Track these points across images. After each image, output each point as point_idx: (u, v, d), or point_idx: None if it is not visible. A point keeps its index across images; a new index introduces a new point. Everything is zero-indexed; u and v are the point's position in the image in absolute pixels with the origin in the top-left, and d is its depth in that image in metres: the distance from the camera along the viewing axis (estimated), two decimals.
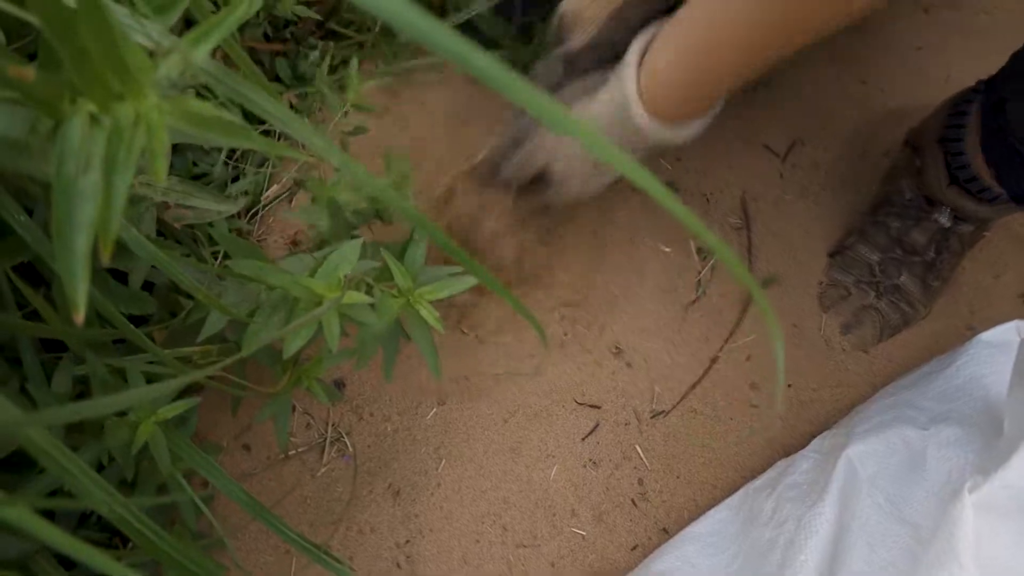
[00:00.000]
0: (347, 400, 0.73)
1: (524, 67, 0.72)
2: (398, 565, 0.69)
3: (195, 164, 0.70)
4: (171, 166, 0.68)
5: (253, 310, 0.46)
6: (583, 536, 0.72)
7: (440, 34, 0.17)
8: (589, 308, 0.78)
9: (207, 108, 0.24)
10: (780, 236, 0.82)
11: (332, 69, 0.76)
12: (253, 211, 0.74)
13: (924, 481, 0.59)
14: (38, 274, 0.49)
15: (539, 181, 0.66)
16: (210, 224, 0.64)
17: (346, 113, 0.57)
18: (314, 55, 0.75)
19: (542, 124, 0.62)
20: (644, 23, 0.62)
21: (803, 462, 0.69)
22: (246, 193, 0.72)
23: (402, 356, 0.74)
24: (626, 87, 0.57)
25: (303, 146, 0.68)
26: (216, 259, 0.66)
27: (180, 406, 0.47)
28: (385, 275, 0.49)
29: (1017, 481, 0.48)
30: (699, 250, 0.80)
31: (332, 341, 0.44)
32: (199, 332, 0.48)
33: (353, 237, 0.48)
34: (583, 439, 0.74)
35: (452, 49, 0.17)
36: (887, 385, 0.77)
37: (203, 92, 0.61)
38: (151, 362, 0.48)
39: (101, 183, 0.24)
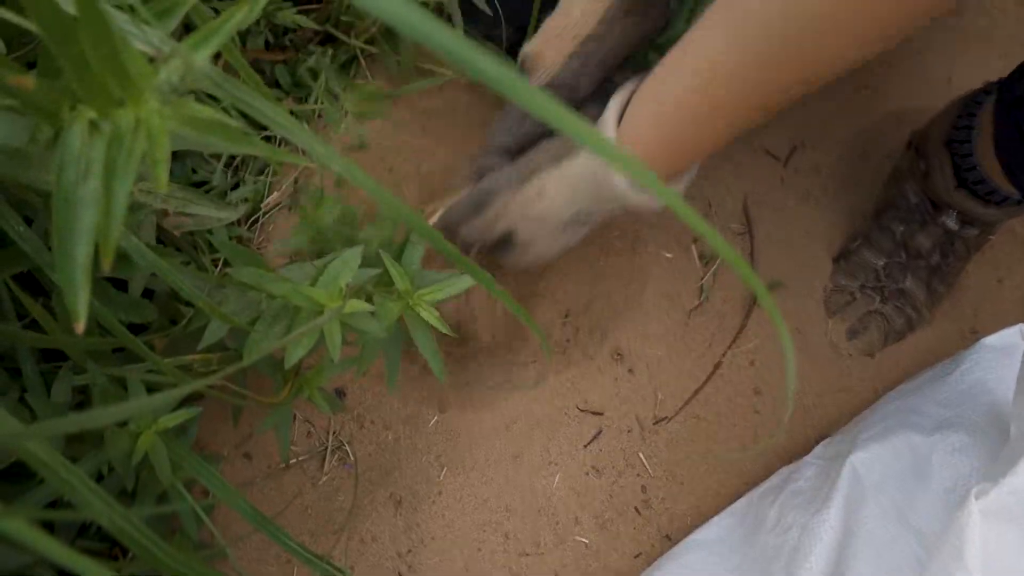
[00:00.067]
0: (348, 408, 0.72)
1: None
2: (400, 574, 0.69)
3: (194, 171, 0.70)
4: (171, 173, 0.67)
5: (254, 319, 0.46)
6: (586, 544, 0.71)
7: (444, 36, 0.16)
8: (591, 314, 0.77)
9: (208, 112, 0.24)
10: (782, 241, 0.82)
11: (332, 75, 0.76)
12: (253, 218, 0.74)
13: (930, 487, 0.59)
14: (37, 283, 0.49)
15: (501, 243, 0.63)
16: (210, 231, 0.64)
17: (346, 113, 0.57)
18: (313, 61, 0.75)
19: (506, 189, 0.60)
20: (604, 64, 0.61)
21: (807, 468, 0.68)
22: (246, 200, 0.72)
23: (403, 365, 0.74)
24: None
25: (303, 152, 0.68)
26: (216, 267, 0.66)
27: (181, 415, 0.47)
28: (385, 279, 0.49)
29: None
30: (701, 255, 0.80)
31: (334, 350, 0.44)
32: (199, 340, 0.47)
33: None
34: (585, 446, 0.74)
35: (457, 52, 0.17)
36: (891, 390, 0.76)
37: (203, 98, 0.61)
38: (151, 371, 0.48)
39: (101, 190, 0.24)
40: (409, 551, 0.69)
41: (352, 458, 0.71)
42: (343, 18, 0.75)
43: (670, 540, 0.72)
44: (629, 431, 0.75)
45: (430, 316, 0.48)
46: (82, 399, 0.52)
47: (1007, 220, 0.74)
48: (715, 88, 0.47)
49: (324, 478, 0.70)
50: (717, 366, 0.77)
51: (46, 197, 0.39)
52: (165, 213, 0.54)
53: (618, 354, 0.77)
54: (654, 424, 0.75)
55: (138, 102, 0.24)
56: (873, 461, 0.62)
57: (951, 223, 0.75)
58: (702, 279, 0.79)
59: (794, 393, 0.77)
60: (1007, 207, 0.70)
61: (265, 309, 0.46)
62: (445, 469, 0.72)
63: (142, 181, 0.41)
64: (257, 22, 0.72)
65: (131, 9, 0.27)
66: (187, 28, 0.60)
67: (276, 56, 0.75)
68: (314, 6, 0.75)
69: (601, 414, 0.75)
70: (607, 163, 0.52)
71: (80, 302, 0.24)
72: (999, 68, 0.68)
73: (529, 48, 0.62)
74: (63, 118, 0.24)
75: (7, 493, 0.47)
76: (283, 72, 0.75)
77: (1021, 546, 0.48)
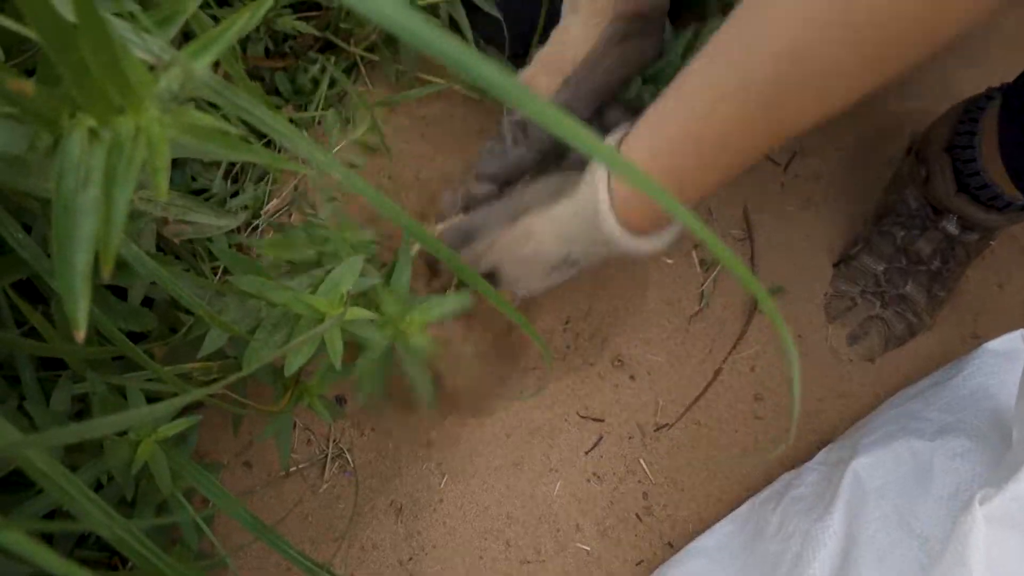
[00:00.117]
0: (348, 416, 0.72)
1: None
2: None
3: (194, 179, 0.70)
4: (171, 180, 0.67)
5: (254, 327, 0.46)
6: (588, 551, 0.71)
7: (446, 44, 0.16)
8: (591, 320, 0.77)
9: (208, 120, 0.24)
10: (783, 247, 0.82)
11: (331, 83, 0.76)
12: (253, 226, 0.73)
13: (932, 493, 0.58)
14: (36, 291, 0.49)
15: (485, 278, 0.62)
16: (209, 239, 0.64)
17: (347, 120, 0.57)
18: (316, 70, 0.75)
19: (494, 226, 0.59)
20: (597, 92, 0.61)
21: (809, 474, 0.68)
22: (246, 208, 0.72)
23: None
24: (596, 193, 0.51)
25: (303, 160, 0.68)
26: (216, 274, 0.66)
27: (181, 424, 0.47)
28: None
29: None
30: (702, 261, 0.80)
31: (335, 358, 0.43)
32: (199, 348, 0.47)
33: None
34: (586, 453, 0.74)
35: (459, 58, 0.16)
36: (892, 395, 0.76)
37: (202, 106, 0.61)
38: (151, 379, 0.48)
39: (101, 198, 0.24)
40: (410, 559, 0.69)
41: (352, 465, 0.71)
42: (343, 25, 0.75)
43: (672, 547, 0.71)
44: (630, 438, 0.74)
45: (422, 342, 0.47)
46: (81, 407, 0.52)
47: (1008, 226, 0.74)
48: (717, 124, 0.45)
49: (324, 486, 0.70)
50: (718, 372, 0.77)
51: (45, 204, 0.39)
52: (165, 221, 0.54)
53: (619, 360, 0.76)
54: (655, 430, 0.75)
55: (138, 110, 0.24)
56: (875, 467, 0.61)
57: (951, 228, 0.75)
58: (703, 285, 0.79)
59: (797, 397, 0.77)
60: (1009, 212, 0.69)
61: (265, 317, 0.46)
62: (446, 476, 0.72)
63: (142, 189, 0.41)
64: (257, 29, 0.72)
65: (131, 16, 0.27)
66: (186, 36, 0.60)
67: (276, 63, 0.75)
68: (314, 13, 0.75)
69: (602, 421, 0.75)
70: (598, 207, 0.51)
71: (80, 310, 0.24)
72: (1000, 72, 0.68)
73: (523, 75, 0.62)
74: (63, 125, 0.24)
75: (5, 503, 0.46)
76: (283, 79, 0.75)
77: None
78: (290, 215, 0.75)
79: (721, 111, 0.45)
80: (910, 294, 0.78)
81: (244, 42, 0.72)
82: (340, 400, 0.72)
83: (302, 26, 0.71)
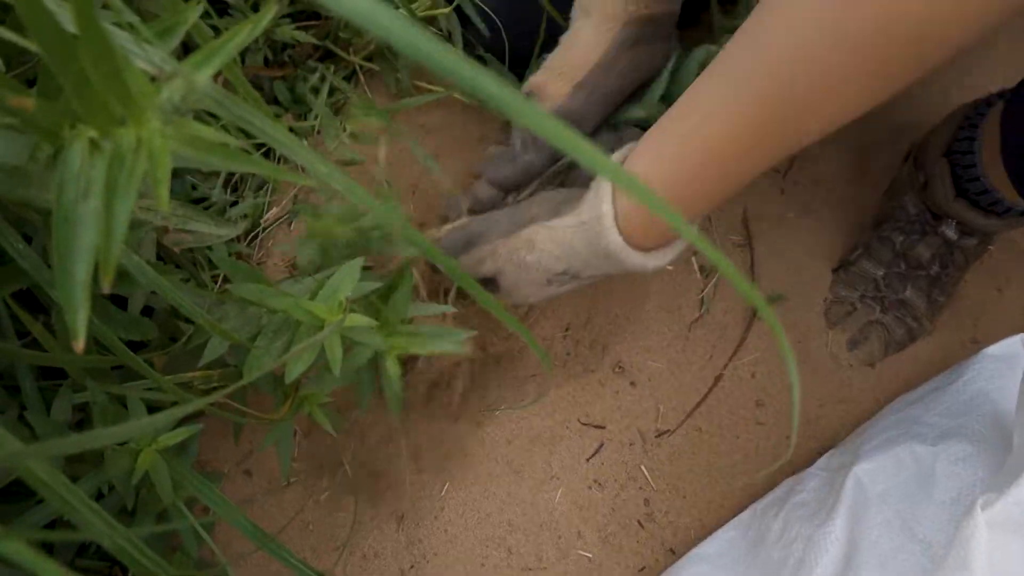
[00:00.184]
0: (349, 425, 0.72)
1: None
2: None
3: (194, 188, 0.70)
4: (171, 190, 0.68)
5: (255, 335, 0.46)
6: (589, 559, 0.71)
7: (446, 57, 0.16)
8: (591, 327, 0.77)
9: (210, 132, 0.24)
10: (782, 253, 0.82)
11: (331, 91, 0.76)
12: (252, 235, 0.74)
13: (934, 497, 0.58)
14: (37, 301, 0.49)
15: (484, 283, 0.61)
16: (209, 248, 0.64)
17: (345, 128, 0.57)
18: (313, 78, 0.75)
19: (497, 233, 0.59)
20: (608, 98, 0.61)
21: (810, 480, 0.68)
22: (245, 216, 0.72)
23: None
24: (600, 207, 0.51)
25: (303, 169, 0.68)
26: (216, 283, 0.66)
27: (181, 433, 0.47)
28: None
29: None
30: (702, 267, 0.80)
31: (335, 365, 0.43)
32: (200, 357, 0.47)
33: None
34: (587, 460, 0.74)
35: (459, 72, 0.17)
36: (893, 401, 0.76)
37: (202, 117, 0.61)
38: (151, 388, 0.48)
39: (102, 209, 0.24)
40: (412, 567, 0.69)
41: (352, 474, 0.71)
42: (342, 34, 0.75)
43: (674, 553, 0.71)
44: (631, 444, 0.74)
45: (394, 370, 0.47)
46: (82, 417, 0.52)
47: (1007, 231, 0.74)
48: (721, 138, 0.45)
49: (325, 494, 0.70)
50: (718, 378, 0.77)
51: (46, 215, 0.39)
52: (165, 230, 0.54)
53: (619, 367, 0.76)
54: (656, 437, 0.75)
55: (140, 121, 0.24)
56: (876, 472, 0.61)
57: (950, 233, 0.75)
58: (702, 291, 0.79)
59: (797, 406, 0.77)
60: (1009, 218, 0.69)
61: (265, 324, 0.46)
62: (447, 484, 0.72)
63: (143, 198, 0.41)
64: (256, 38, 0.72)
65: (132, 28, 0.27)
66: (185, 47, 0.60)
67: (275, 72, 0.75)
68: (313, 22, 0.75)
69: (603, 427, 0.75)
70: (602, 221, 0.51)
71: (80, 320, 0.24)
72: (999, 78, 0.68)
73: (533, 80, 0.62)
74: (63, 137, 0.24)
75: (6, 513, 0.46)
76: (282, 88, 0.75)
77: None
78: (290, 224, 0.75)
79: (726, 125, 0.44)
80: (910, 299, 0.78)
81: (243, 52, 0.72)
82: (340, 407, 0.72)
83: (301, 35, 0.72)
